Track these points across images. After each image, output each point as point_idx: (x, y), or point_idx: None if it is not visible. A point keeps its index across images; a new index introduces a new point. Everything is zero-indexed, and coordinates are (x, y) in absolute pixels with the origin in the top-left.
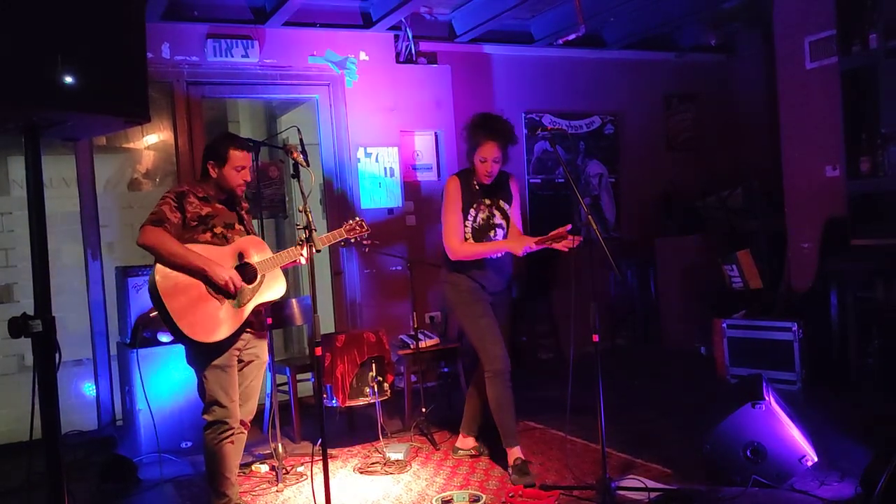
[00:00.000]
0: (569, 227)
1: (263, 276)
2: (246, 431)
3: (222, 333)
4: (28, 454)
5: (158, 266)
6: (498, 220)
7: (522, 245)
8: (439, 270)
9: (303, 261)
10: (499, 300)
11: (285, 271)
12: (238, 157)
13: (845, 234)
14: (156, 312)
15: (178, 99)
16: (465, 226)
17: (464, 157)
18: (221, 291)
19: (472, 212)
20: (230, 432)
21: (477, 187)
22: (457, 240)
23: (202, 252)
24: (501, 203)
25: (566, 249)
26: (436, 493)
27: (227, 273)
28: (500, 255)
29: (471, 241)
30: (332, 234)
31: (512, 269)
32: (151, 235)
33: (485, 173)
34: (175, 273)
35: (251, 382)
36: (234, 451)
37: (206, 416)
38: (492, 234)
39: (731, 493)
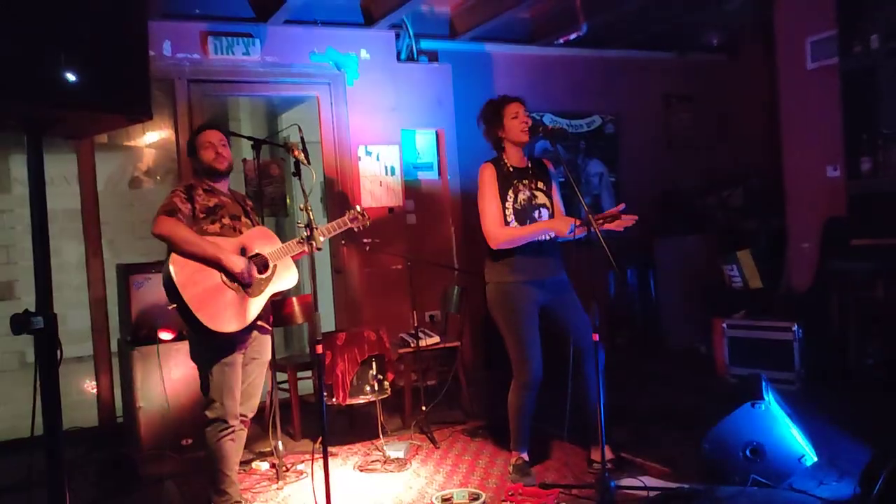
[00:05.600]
0: (622, 206)
1: (275, 265)
2: (246, 428)
3: (239, 323)
4: (29, 451)
5: (173, 256)
6: (541, 199)
7: (567, 224)
8: (482, 263)
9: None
10: (559, 292)
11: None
12: (201, 136)
13: (845, 234)
14: (173, 305)
15: (180, 97)
16: (506, 209)
17: (466, 153)
18: (237, 281)
19: (511, 193)
20: (230, 430)
21: (511, 169)
22: (496, 225)
23: (216, 242)
24: (540, 184)
25: (621, 229)
26: (436, 492)
27: (242, 262)
28: (545, 237)
29: (514, 224)
30: (337, 223)
31: (561, 254)
32: (166, 225)
33: (521, 129)
34: (190, 263)
35: (253, 380)
36: (235, 448)
37: (207, 413)
38: (536, 214)
39: (730, 492)
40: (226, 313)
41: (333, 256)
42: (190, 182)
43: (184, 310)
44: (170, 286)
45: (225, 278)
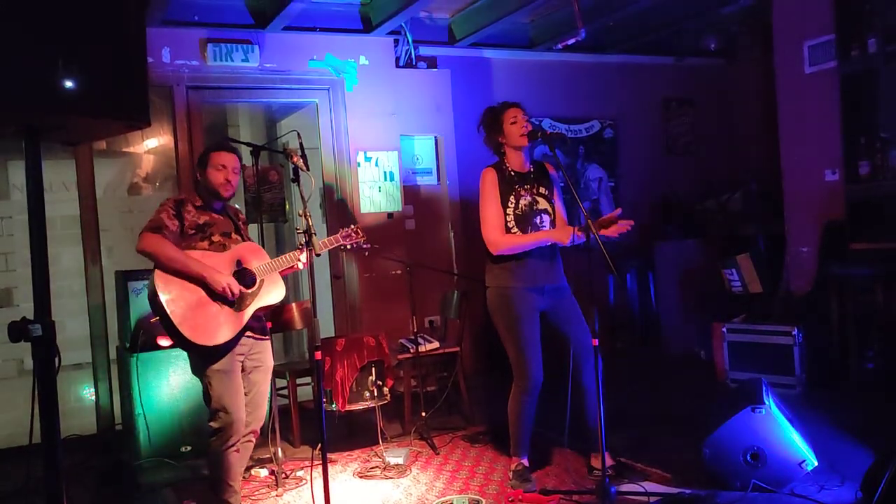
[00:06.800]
0: (619, 211)
1: (262, 280)
2: (255, 440)
3: (223, 337)
4: (27, 458)
5: (158, 272)
6: (542, 205)
7: (568, 234)
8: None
9: (300, 266)
10: (559, 298)
11: (285, 276)
12: (217, 156)
13: (844, 238)
14: (157, 318)
15: (178, 103)
16: (507, 214)
17: (464, 159)
18: (221, 296)
19: (513, 199)
20: (235, 440)
21: (512, 174)
22: (497, 231)
23: (200, 258)
24: (542, 189)
25: (616, 235)
26: (435, 498)
27: (224, 279)
28: (545, 245)
29: (515, 230)
30: (329, 241)
31: (562, 260)
32: (150, 241)
33: (520, 133)
34: (175, 278)
35: (259, 388)
36: (239, 459)
37: (211, 424)
38: (538, 220)
39: (731, 497)
40: (209, 327)
41: (332, 262)
42: (181, 196)
43: (168, 324)
44: (154, 301)
45: (210, 294)
